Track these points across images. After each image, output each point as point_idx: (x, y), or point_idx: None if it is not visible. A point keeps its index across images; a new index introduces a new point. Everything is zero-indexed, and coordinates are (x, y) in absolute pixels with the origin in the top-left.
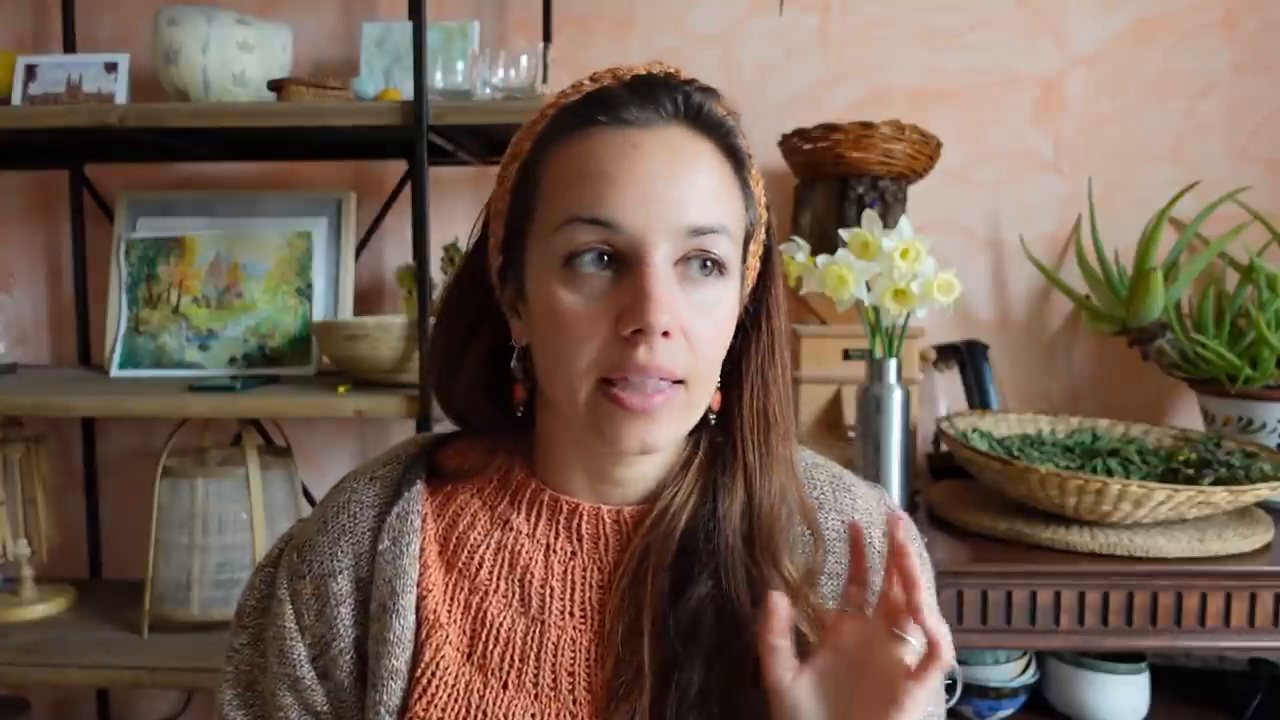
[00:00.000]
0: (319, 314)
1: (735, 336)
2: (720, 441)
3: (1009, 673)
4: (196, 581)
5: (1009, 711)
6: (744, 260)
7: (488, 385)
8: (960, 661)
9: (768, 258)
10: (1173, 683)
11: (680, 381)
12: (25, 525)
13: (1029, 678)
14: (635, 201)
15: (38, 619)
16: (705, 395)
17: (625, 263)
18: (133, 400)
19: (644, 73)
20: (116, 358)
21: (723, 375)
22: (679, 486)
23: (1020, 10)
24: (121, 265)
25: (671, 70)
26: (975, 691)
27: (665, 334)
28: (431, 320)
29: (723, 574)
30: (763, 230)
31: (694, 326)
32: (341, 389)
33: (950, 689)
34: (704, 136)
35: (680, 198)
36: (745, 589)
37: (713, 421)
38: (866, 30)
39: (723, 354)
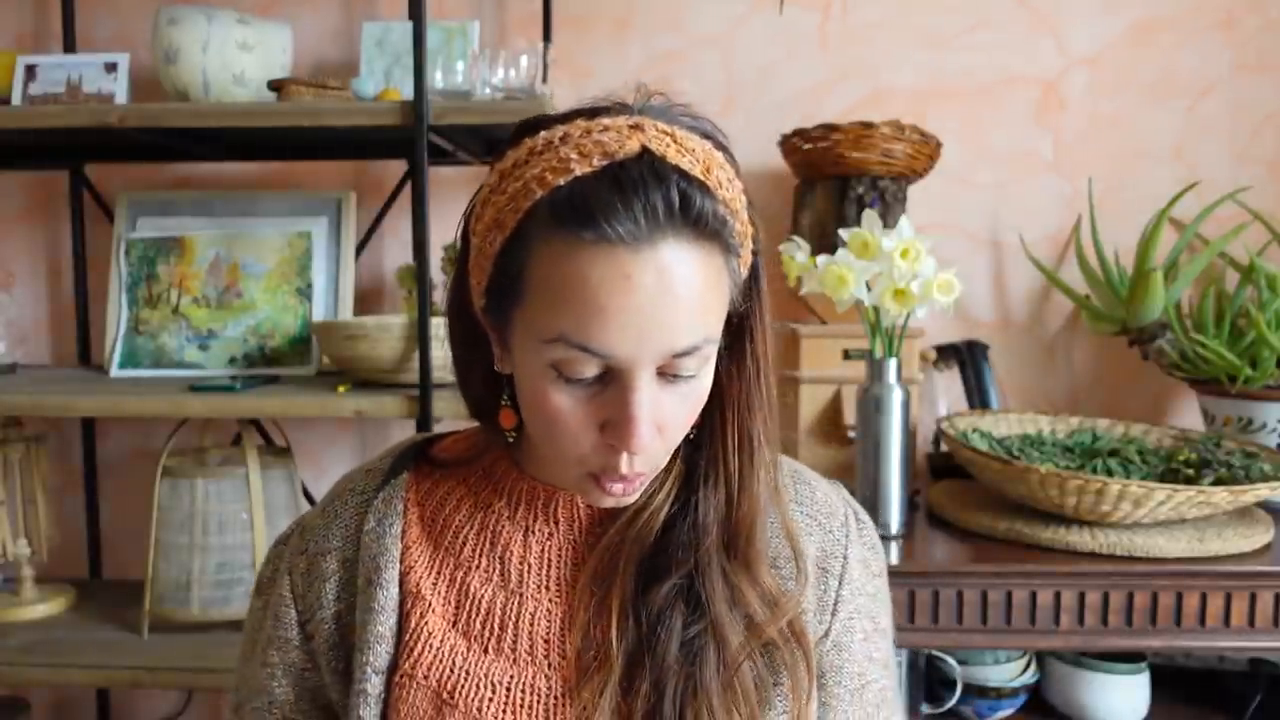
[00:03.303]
0: (319, 314)
1: (718, 359)
2: (702, 456)
3: (1009, 673)
4: (196, 581)
5: (1009, 711)
6: (725, 320)
7: (493, 394)
8: (960, 661)
9: (751, 289)
10: (1173, 683)
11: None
12: (25, 525)
13: (1029, 678)
14: (624, 334)
15: (38, 619)
16: (671, 452)
17: (612, 374)
18: (133, 400)
19: (635, 153)
20: (116, 358)
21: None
22: (658, 489)
23: (1020, 11)
24: (121, 265)
25: (665, 146)
26: (975, 691)
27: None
28: (433, 320)
29: (697, 573)
30: (745, 271)
31: (672, 417)
32: (341, 389)
33: (950, 689)
34: (696, 242)
35: (668, 325)
36: (721, 590)
37: (691, 437)
38: (866, 30)
39: (694, 419)
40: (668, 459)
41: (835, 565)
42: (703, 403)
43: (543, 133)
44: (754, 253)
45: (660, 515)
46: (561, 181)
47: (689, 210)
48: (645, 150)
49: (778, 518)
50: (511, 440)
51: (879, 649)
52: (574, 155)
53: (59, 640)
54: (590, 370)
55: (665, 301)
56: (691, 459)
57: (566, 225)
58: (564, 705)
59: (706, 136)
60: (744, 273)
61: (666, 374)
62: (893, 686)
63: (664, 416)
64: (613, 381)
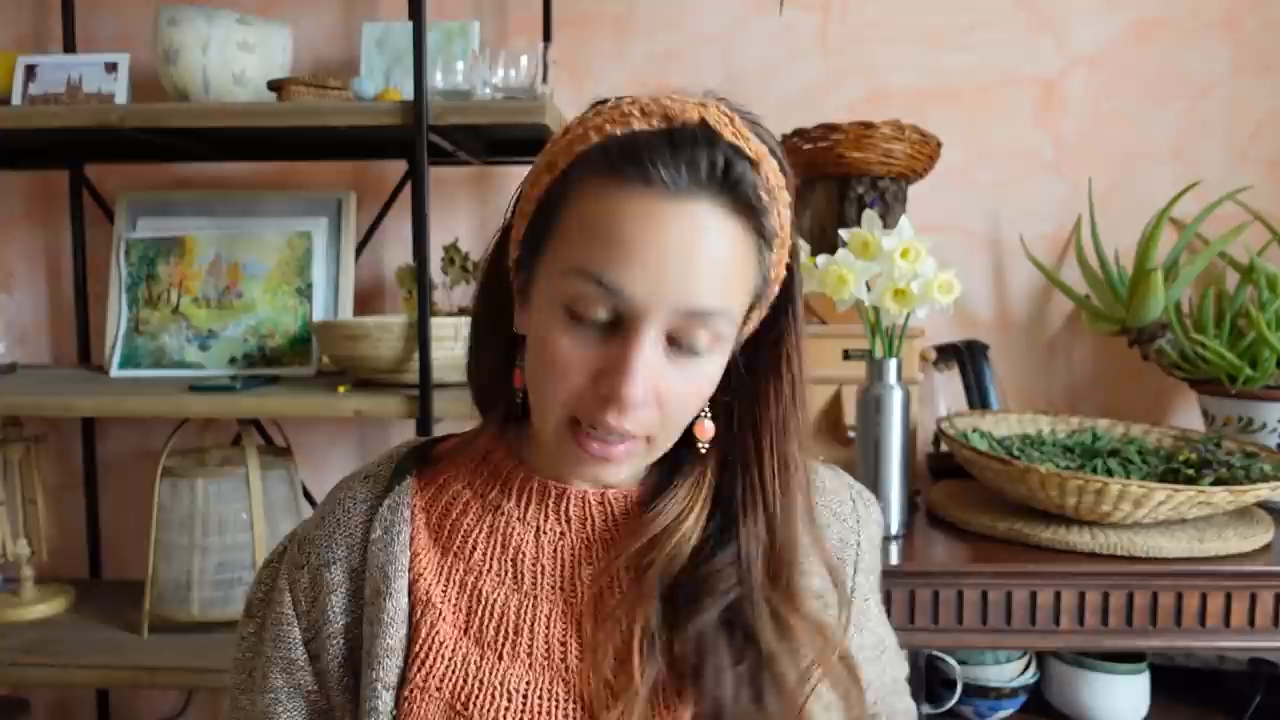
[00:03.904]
0: (319, 314)
1: (754, 380)
2: (739, 484)
3: (1009, 673)
4: (196, 581)
5: (1009, 711)
6: (745, 319)
7: (506, 372)
8: (960, 661)
9: (786, 310)
10: (1173, 683)
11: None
12: (25, 525)
13: (1029, 678)
14: (643, 275)
15: (38, 619)
16: (669, 442)
17: (620, 322)
18: (133, 400)
19: (694, 121)
20: (116, 358)
21: (741, 417)
22: (686, 510)
23: (1020, 10)
24: (121, 265)
25: (723, 124)
26: (975, 691)
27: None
28: (433, 320)
29: (744, 605)
30: (776, 287)
31: (670, 392)
32: (341, 389)
33: (950, 689)
34: (732, 212)
35: (687, 279)
36: (769, 623)
37: (703, 450)
38: (866, 30)
39: (696, 411)
40: (663, 443)
41: (850, 553)
42: (706, 393)
43: (613, 99)
44: (789, 269)
45: (691, 539)
46: (619, 132)
47: (730, 177)
48: (704, 121)
49: (813, 540)
50: (515, 412)
51: (882, 612)
52: (636, 113)
53: (59, 640)
54: (601, 312)
55: (689, 253)
56: (727, 485)
57: (612, 165)
58: (581, 708)
59: (764, 142)
60: (775, 277)
61: (675, 342)
62: (894, 635)
63: (664, 388)
64: (619, 334)
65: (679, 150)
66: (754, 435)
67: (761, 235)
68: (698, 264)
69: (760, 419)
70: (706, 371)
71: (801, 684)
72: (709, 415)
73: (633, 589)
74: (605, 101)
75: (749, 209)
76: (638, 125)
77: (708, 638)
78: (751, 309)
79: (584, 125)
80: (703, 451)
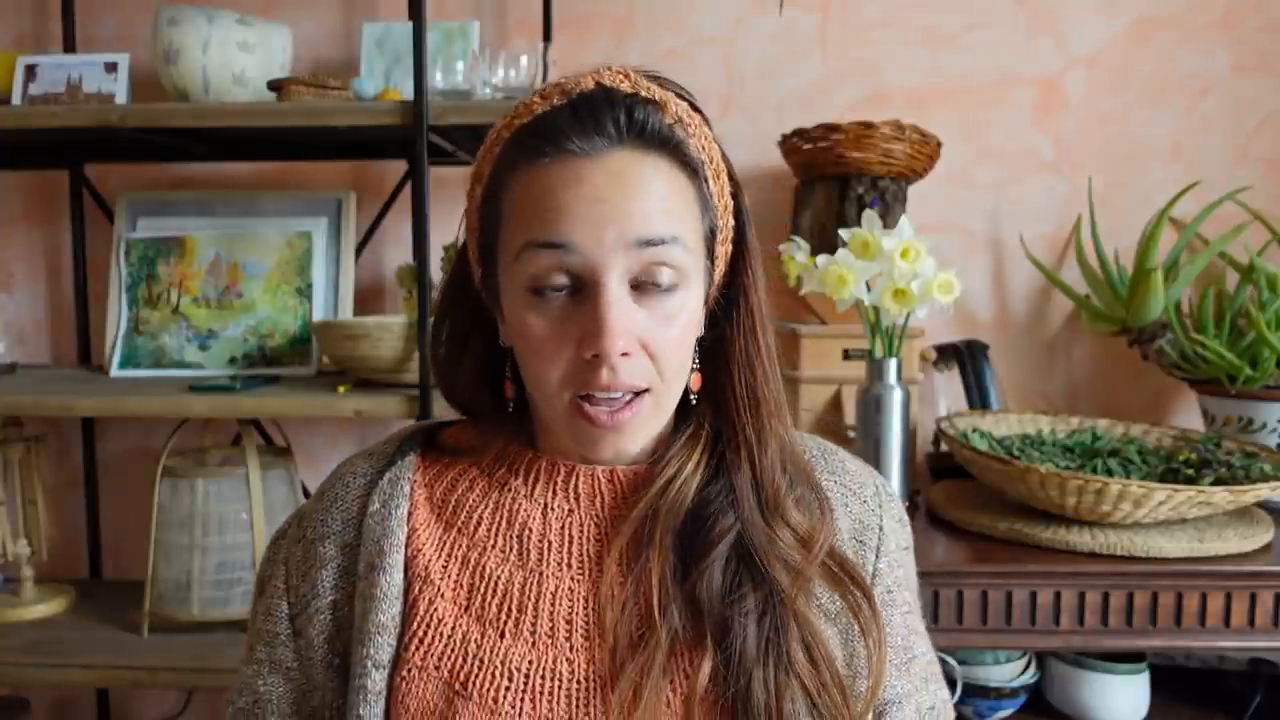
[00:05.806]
0: (319, 314)
1: (717, 323)
2: (719, 423)
3: (1009, 673)
4: (196, 581)
5: (1009, 711)
6: (710, 258)
7: (487, 380)
8: (960, 661)
9: (740, 242)
10: (1173, 683)
11: (645, 390)
12: (25, 525)
13: (1029, 678)
14: (585, 223)
15: (38, 619)
16: (672, 396)
17: (583, 285)
18: (133, 400)
19: (591, 88)
20: (116, 358)
21: (709, 359)
22: (685, 458)
23: (1020, 10)
24: (121, 265)
25: (619, 81)
26: (975, 691)
27: (625, 354)
28: (432, 319)
29: (745, 538)
30: (730, 219)
31: (654, 338)
32: (341, 389)
33: (950, 689)
34: (650, 153)
35: (628, 213)
36: (769, 551)
37: (694, 401)
38: (866, 30)
39: (687, 355)
40: (666, 396)
41: (871, 538)
42: (690, 335)
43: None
44: (735, 198)
45: (692, 484)
46: (526, 120)
47: (637, 123)
48: (600, 84)
49: (796, 468)
50: (513, 410)
51: (919, 621)
52: (536, 99)
53: (59, 640)
54: (560, 278)
55: (621, 192)
56: (712, 427)
57: (528, 150)
58: (586, 689)
59: (667, 89)
60: (724, 207)
61: (640, 286)
62: (935, 659)
63: (647, 335)
64: (585, 295)
65: (583, 117)
66: (726, 374)
67: (688, 165)
68: (631, 198)
69: (729, 358)
70: (682, 307)
71: (793, 588)
72: (699, 367)
73: (642, 543)
74: None
75: (665, 143)
76: (540, 109)
77: (720, 579)
78: (713, 245)
79: (496, 130)
80: (694, 402)
